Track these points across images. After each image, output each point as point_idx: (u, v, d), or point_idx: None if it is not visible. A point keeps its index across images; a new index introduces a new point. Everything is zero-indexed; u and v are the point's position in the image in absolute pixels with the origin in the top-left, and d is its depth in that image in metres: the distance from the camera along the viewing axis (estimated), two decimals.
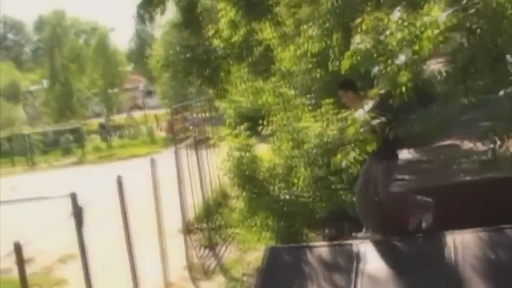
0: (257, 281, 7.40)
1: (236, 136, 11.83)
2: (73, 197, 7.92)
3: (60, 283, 12.98)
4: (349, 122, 5.74)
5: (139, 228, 14.96)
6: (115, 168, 10.16)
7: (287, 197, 11.00)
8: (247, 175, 11.48)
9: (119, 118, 45.90)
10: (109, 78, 48.67)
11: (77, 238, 8.11)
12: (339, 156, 6.13)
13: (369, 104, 5.80)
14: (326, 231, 11.21)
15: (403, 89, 5.41)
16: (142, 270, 12.27)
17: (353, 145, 5.92)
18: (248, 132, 11.78)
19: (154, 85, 52.23)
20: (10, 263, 14.65)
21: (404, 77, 5.32)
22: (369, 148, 5.92)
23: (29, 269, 13.92)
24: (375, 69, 5.65)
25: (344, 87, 8.09)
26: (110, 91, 48.04)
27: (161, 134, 36.34)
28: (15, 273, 13.95)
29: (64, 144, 37.50)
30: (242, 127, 11.78)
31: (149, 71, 48.32)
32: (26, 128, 41.54)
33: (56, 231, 16.28)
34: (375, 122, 5.80)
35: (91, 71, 49.67)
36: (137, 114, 47.18)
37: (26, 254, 14.26)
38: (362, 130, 5.71)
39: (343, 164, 6.13)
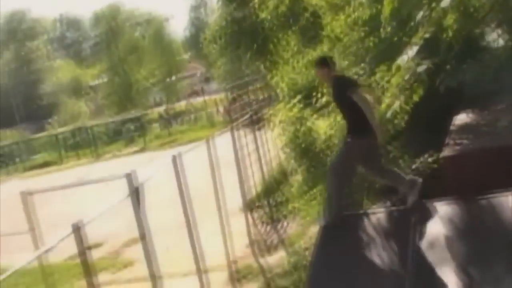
0: (315, 250, 7.26)
1: (290, 109, 11.67)
2: (129, 177, 7.88)
3: (127, 266, 13.12)
4: (393, 70, 5.49)
5: (201, 208, 15.04)
6: (172, 153, 10.24)
7: None
8: (304, 148, 11.32)
9: (179, 106, 46.27)
10: (166, 67, 49.05)
11: (135, 217, 8.05)
12: (383, 106, 5.89)
13: (413, 50, 5.53)
14: (387, 202, 10.96)
15: (450, 33, 5.09)
16: (205, 249, 12.38)
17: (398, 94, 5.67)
18: (301, 105, 11.61)
19: (211, 71, 52.32)
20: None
21: (450, 20, 5.01)
22: (415, 97, 5.68)
23: (96, 254, 14.24)
24: (419, 14, 5.35)
25: (320, 64, 8.12)
26: (168, 80, 48.40)
27: (220, 118, 36.44)
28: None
29: (126, 134, 38.06)
30: (295, 100, 11.62)
31: (205, 57, 48.53)
32: (89, 121, 42.25)
33: (122, 215, 16.63)
34: (421, 68, 5.52)
35: (148, 62, 50.11)
36: (197, 101, 47.41)
37: (93, 239, 14.66)
38: (406, 77, 5.44)
39: (388, 114, 5.88)
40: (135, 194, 7.85)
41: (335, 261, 6.67)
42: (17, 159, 38.20)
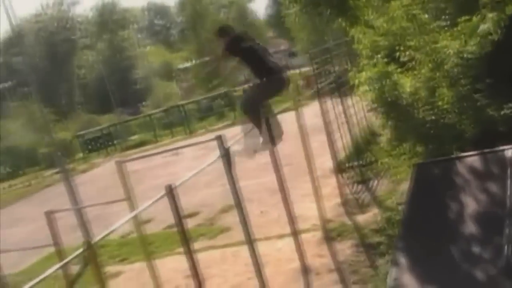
0: (407, 198, 7.05)
1: (374, 65, 11.40)
2: (220, 139, 7.89)
3: (223, 232, 13.24)
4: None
5: (293, 173, 15.09)
6: None
7: (433, 117, 10.45)
8: (390, 102, 11.06)
9: None
10: None
11: (227, 177, 8.06)
12: (474, 20, 5.56)
13: None
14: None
15: None
16: (298, 211, 12.35)
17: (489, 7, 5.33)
18: (385, 60, 11.32)
19: (296, 45, 52.04)
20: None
21: None
22: (508, 11, 5.34)
23: (193, 222, 14.54)
24: None
25: (220, 33, 8.31)
26: None
27: (305, 89, 36.23)
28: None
29: (217, 110, 38.51)
30: (379, 55, 11.34)
31: (288, 32, 48.28)
32: (181, 101, 42.93)
33: (216, 184, 16.91)
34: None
35: None
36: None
37: (189, 209, 15.00)
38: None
39: (480, 28, 5.55)
40: (226, 155, 7.82)
41: (430, 204, 6.45)
42: (115, 141, 39.35)
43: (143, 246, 9.46)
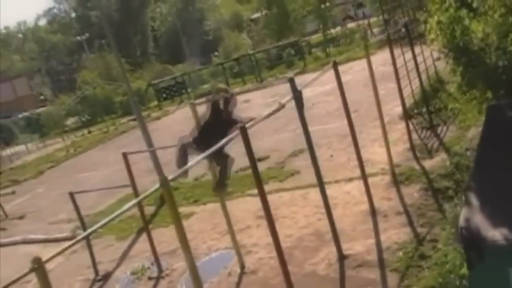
0: (480, 139, 6.81)
1: (446, 10, 10.99)
2: (292, 82, 7.83)
3: (293, 174, 13.27)
4: None
5: (362, 118, 14.96)
6: (332, 73, 10.10)
7: (505, 63, 10.04)
8: (461, 47, 10.69)
9: (335, 31, 45.62)
10: None
11: (299, 119, 8.02)
12: None
13: None
14: None
15: None
16: (367, 155, 12.28)
17: None
18: (457, 4, 10.90)
19: None
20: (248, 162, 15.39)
21: None
22: None
23: (265, 165, 14.60)
24: None
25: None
26: (322, 7, 47.77)
27: (373, 39, 35.48)
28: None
29: (286, 59, 38.21)
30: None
31: None
32: (251, 51, 42.80)
33: (287, 130, 16.94)
34: None
35: None
36: (351, 25, 46.55)
37: (260, 153, 15.07)
38: None
39: None
40: (299, 98, 7.76)
41: (503, 146, 6.21)
42: (188, 89, 39.63)
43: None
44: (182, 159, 7.57)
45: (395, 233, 8.79)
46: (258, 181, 6.87)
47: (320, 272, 8.44)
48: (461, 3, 11.04)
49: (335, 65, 9.14)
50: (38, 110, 49.63)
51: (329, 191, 10.72)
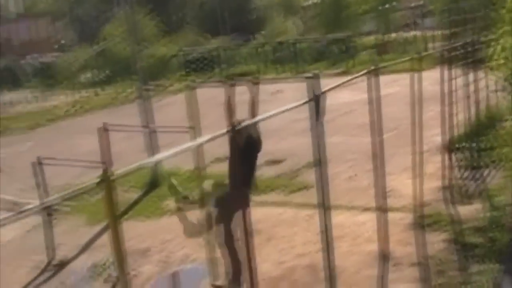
0: None
1: None
2: (313, 80, 6.92)
3: (301, 189, 12.45)
4: None
5: (393, 140, 14.04)
6: (380, 80, 9.26)
7: None
8: None
9: (388, 37, 44.54)
10: None
11: (312, 127, 7.08)
12: None
13: None
14: None
15: None
16: (393, 184, 11.47)
17: None
18: None
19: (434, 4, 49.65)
20: (259, 161, 14.64)
21: None
22: None
23: (276, 170, 13.80)
24: None
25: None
26: (381, 8, 46.70)
27: (428, 53, 34.36)
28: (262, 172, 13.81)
29: (331, 54, 37.23)
30: None
31: None
32: (298, 39, 41.95)
33: (309, 134, 16.00)
34: None
35: None
36: (409, 34, 45.50)
37: (275, 154, 14.32)
38: None
39: None
40: (316, 100, 6.84)
41: None
42: (220, 66, 38.78)
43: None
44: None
45: None
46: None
47: None
48: None
49: (374, 72, 8.27)
50: (52, 56, 49.16)
51: (339, 218, 9.97)
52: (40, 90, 39.76)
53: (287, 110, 6.58)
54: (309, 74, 6.83)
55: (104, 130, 9.06)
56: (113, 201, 4.51)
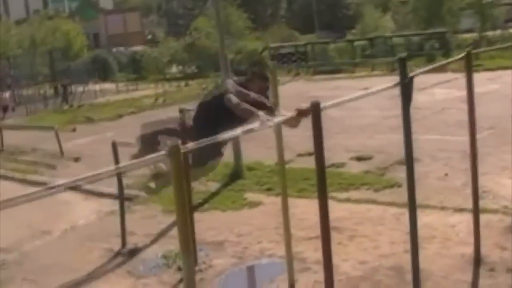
0: None
1: None
2: (401, 63, 6.45)
3: (393, 186, 11.85)
4: None
5: (496, 138, 13.38)
6: (478, 78, 8.69)
7: None
8: None
9: (493, 34, 42.90)
10: None
11: (402, 117, 6.57)
12: None
13: None
14: None
15: None
16: (490, 184, 10.84)
17: None
18: None
19: None
20: (345, 158, 14.25)
21: None
22: None
23: (363, 167, 13.29)
24: None
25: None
26: (484, 2, 45.14)
27: None
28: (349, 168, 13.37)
29: (427, 51, 36.21)
30: None
31: None
32: (392, 34, 41.14)
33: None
34: None
35: None
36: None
37: (364, 151, 13.93)
38: None
39: None
40: (407, 87, 6.35)
41: None
42: (309, 63, 38.48)
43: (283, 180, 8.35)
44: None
45: None
46: (322, 182, 5.48)
47: None
48: None
49: (468, 57, 7.71)
50: (142, 49, 50.05)
51: (428, 218, 9.50)
52: (131, 81, 40.58)
53: (376, 92, 6.19)
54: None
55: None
56: (181, 176, 4.18)
